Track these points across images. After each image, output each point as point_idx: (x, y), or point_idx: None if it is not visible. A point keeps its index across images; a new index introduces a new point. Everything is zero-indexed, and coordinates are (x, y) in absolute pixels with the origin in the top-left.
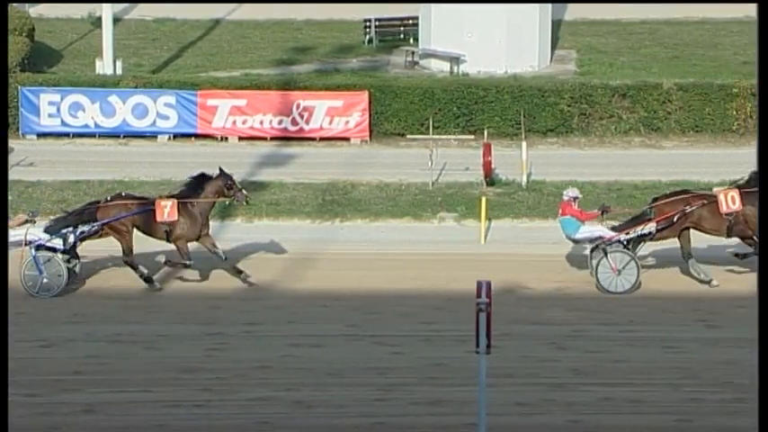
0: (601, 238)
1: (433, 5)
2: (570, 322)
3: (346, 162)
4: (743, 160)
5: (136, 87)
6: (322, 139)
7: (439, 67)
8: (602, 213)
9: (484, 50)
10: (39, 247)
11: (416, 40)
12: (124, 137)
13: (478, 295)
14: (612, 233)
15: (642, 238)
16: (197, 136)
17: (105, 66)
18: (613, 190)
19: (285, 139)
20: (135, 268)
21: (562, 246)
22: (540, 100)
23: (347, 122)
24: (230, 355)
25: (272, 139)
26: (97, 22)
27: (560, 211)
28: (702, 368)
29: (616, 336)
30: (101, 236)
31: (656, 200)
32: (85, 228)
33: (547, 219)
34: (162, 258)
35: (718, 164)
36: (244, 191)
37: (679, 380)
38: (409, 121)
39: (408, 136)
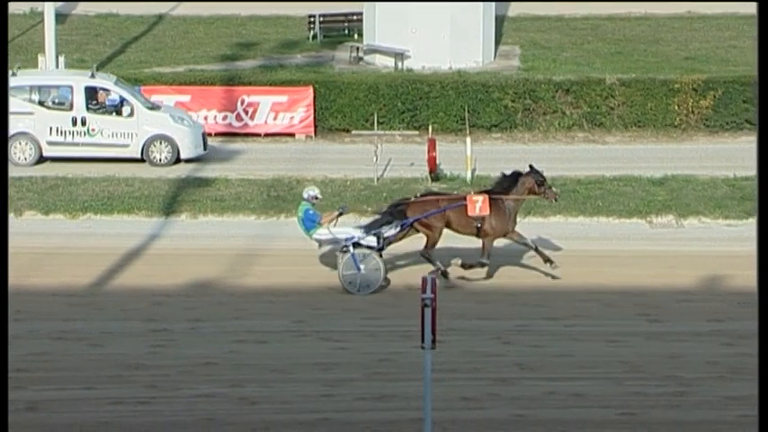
0: None
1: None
2: (515, 317)
3: (291, 158)
4: (685, 155)
5: None
6: (267, 134)
7: (383, 62)
8: None
9: (428, 46)
10: (355, 245)
11: (361, 35)
12: None
13: (423, 291)
14: None
15: None
16: None
17: (48, 62)
18: (557, 185)
19: (230, 134)
20: (432, 262)
21: (507, 240)
22: (485, 95)
23: (292, 118)
24: (175, 352)
25: (216, 134)
26: (39, 18)
27: None
28: (645, 362)
29: (560, 330)
30: (406, 234)
31: None
32: (397, 226)
33: None
34: (458, 261)
35: (660, 159)
36: (554, 188)
37: (622, 374)
38: (354, 117)
39: (353, 131)
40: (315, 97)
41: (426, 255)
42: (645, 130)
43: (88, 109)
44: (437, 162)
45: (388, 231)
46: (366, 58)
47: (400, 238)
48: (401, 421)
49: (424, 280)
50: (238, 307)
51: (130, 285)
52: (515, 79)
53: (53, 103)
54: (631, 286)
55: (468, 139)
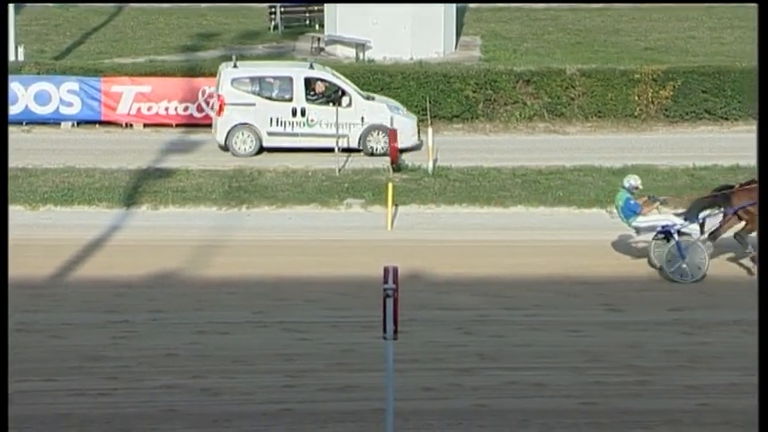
0: None
1: None
2: (476, 307)
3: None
4: (645, 145)
5: (38, 74)
6: None
7: (345, 53)
8: None
9: (389, 37)
10: (679, 233)
11: (322, 26)
12: (27, 124)
13: (385, 281)
14: None
15: None
16: (101, 123)
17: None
18: (518, 175)
19: (191, 125)
20: (745, 244)
21: (468, 231)
22: (446, 86)
23: None
24: (136, 343)
25: (177, 125)
26: None
27: None
28: (606, 351)
29: (521, 320)
30: (730, 223)
31: None
32: (720, 214)
33: (452, 204)
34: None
35: (620, 149)
36: None
37: (583, 363)
38: None
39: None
40: None
41: (740, 236)
42: (605, 121)
43: (307, 100)
44: (399, 153)
45: (711, 220)
46: (327, 48)
47: (725, 229)
48: (363, 411)
49: (386, 270)
50: (200, 298)
51: (91, 277)
52: (476, 70)
53: (273, 94)
54: (592, 276)
55: (430, 130)
